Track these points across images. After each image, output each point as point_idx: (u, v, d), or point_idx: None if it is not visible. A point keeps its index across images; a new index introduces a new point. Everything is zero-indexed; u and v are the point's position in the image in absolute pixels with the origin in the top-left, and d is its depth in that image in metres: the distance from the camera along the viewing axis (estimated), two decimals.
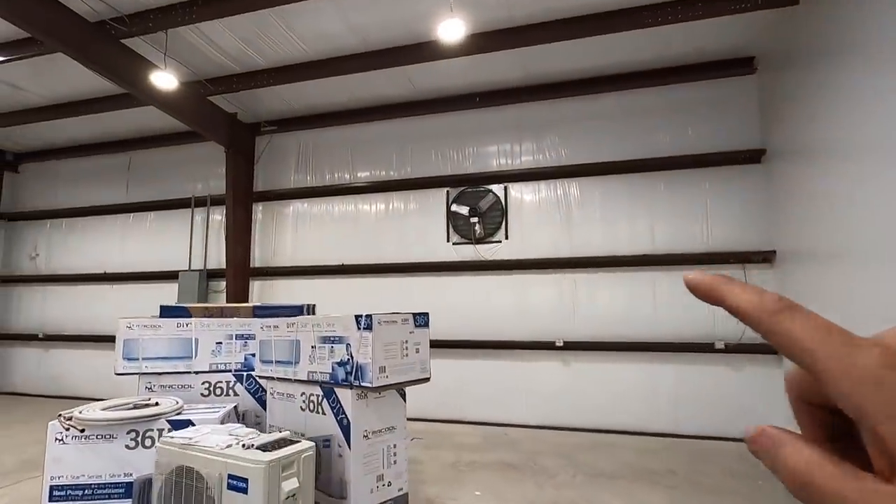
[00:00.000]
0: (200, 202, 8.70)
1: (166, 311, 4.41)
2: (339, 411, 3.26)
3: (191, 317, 4.40)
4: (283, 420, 3.71)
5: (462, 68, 6.79)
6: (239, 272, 7.92)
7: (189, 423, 3.38)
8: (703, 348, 6.19)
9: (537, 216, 7.12)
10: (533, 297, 6.97)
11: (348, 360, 3.20)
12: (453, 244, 7.41)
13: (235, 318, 4.38)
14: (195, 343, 4.24)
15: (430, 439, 6.18)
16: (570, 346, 6.68)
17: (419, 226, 7.61)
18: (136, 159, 9.40)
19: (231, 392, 4.25)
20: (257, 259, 8.36)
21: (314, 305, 5.35)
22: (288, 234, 8.27)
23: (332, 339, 3.35)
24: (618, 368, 6.55)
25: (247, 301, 8.02)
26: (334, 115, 8.08)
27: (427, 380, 3.46)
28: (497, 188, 7.32)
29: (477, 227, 7.23)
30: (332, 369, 3.30)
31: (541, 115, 7.25)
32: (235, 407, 3.86)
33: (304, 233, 8.18)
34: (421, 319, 3.43)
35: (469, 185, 7.43)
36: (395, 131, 7.90)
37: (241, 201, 8.06)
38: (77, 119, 8.33)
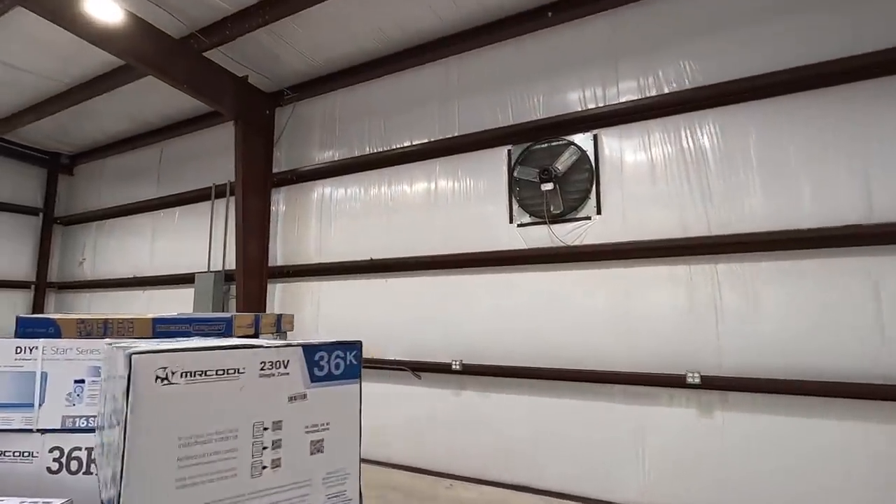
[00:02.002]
0: (222, 192, 7.40)
1: (23, 325, 2.76)
2: None
3: (59, 335, 2.71)
4: None
5: None
6: (253, 273, 6.39)
7: None
8: None
9: (648, 176, 4.57)
10: (644, 302, 4.43)
11: (117, 470, 1.16)
12: (518, 226, 5.12)
13: (113, 341, 2.61)
14: (41, 381, 2.52)
15: None
16: (714, 384, 4.03)
17: (471, 203, 5.44)
18: (167, 150, 8.45)
19: (95, 466, 2.46)
20: (279, 257, 6.79)
21: (282, 317, 3.42)
22: (312, 225, 6.59)
23: (114, 404, 1.33)
24: (806, 426, 3.76)
25: (263, 309, 6.47)
26: (363, 66, 6.24)
27: None
28: (582, 139, 4.90)
29: (552, 198, 4.88)
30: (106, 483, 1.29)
31: (648, 24, 4.71)
32: None
33: (330, 222, 6.42)
34: (337, 358, 1.28)
35: (539, 139, 5.10)
36: (437, 79, 5.83)
37: (256, 185, 6.55)
38: (106, 105, 7.57)
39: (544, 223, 4.93)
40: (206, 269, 7.20)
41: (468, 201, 5.45)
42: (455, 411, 5.18)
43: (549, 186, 4.84)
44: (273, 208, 6.91)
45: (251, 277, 6.33)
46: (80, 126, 8.63)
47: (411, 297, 5.64)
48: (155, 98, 7.47)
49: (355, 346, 1.35)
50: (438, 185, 5.67)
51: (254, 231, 6.43)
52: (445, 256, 5.38)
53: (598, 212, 4.73)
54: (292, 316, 3.82)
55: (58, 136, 9.04)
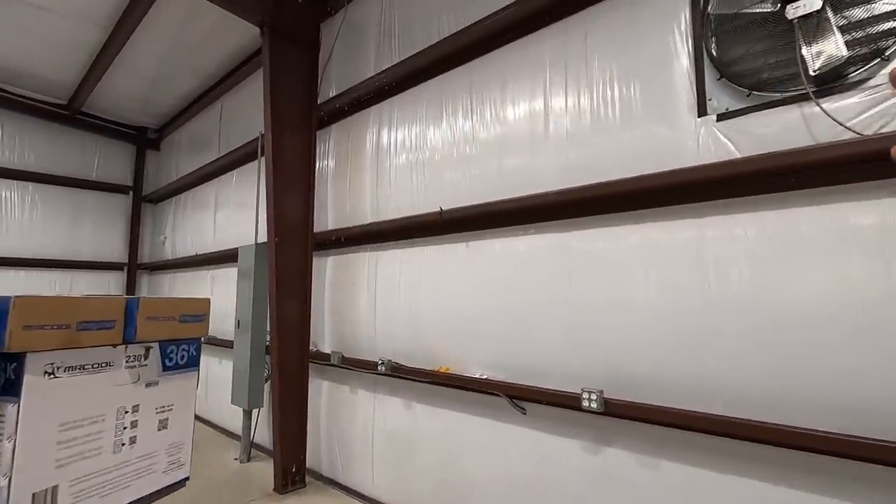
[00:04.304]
0: None
1: None
2: None
3: None
4: None
5: None
6: (292, 240, 4.61)
7: None
8: None
9: None
10: None
11: None
12: (720, 118, 2.45)
13: None
14: None
15: None
16: None
17: (614, 93, 2.90)
18: (227, 105, 7.20)
19: None
20: (329, 220, 4.94)
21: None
22: (367, 170, 4.58)
23: None
24: None
25: (307, 290, 4.68)
26: None
27: None
28: None
29: (816, 38, 2.13)
30: None
31: None
32: None
33: (388, 165, 4.35)
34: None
35: None
36: None
37: (294, 120, 4.74)
38: (172, 59, 6.71)
39: (792, 100, 2.22)
40: (254, 242, 5.68)
41: (608, 92, 2.92)
42: (591, 482, 2.76)
43: (800, 12, 2.10)
44: (321, 163, 5.08)
45: (289, 246, 4.57)
46: (155, 92, 7.86)
47: (508, 271, 3.31)
48: (215, 44, 6.34)
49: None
50: (551, 77, 3.21)
51: (291, 182, 4.65)
52: (566, 193, 2.93)
53: None
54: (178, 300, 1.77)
55: (139, 106, 8.43)
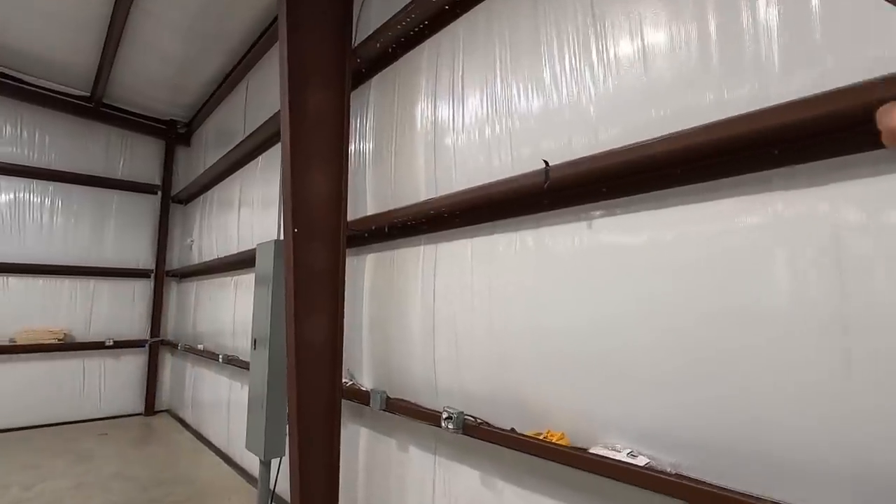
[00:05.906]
0: None
1: None
2: None
3: None
4: None
5: None
6: (318, 230, 3.33)
7: None
8: None
9: None
10: None
11: None
12: None
13: None
14: None
15: None
16: None
17: None
18: (252, 83, 6.14)
19: None
20: (369, 202, 3.64)
21: None
22: (417, 131, 3.25)
23: None
24: None
25: (338, 301, 3.37)
26: None
27: None
28: None
29: None
30: None
31: None
32: None
33: (452, 119, 2.99)
34: None
35: None
36: None
37: (320, 69, 3.48)
38: (194, 36, 5.78)
39: None
40: (275, 238, 4.48)
41: None
42: None
43: None
44: (358, 130, 3.80)
45: (313, 240, 3.29)
46: (180, 76, 6.96)
47: (680, 267, 1.84)
48: (235, 14, 5.41)
49: None
50: None
51: (316, 155, 3.38)
52: (828, 99, 1.45)
53: None
54: None
55: (165, 95, 7.58)
